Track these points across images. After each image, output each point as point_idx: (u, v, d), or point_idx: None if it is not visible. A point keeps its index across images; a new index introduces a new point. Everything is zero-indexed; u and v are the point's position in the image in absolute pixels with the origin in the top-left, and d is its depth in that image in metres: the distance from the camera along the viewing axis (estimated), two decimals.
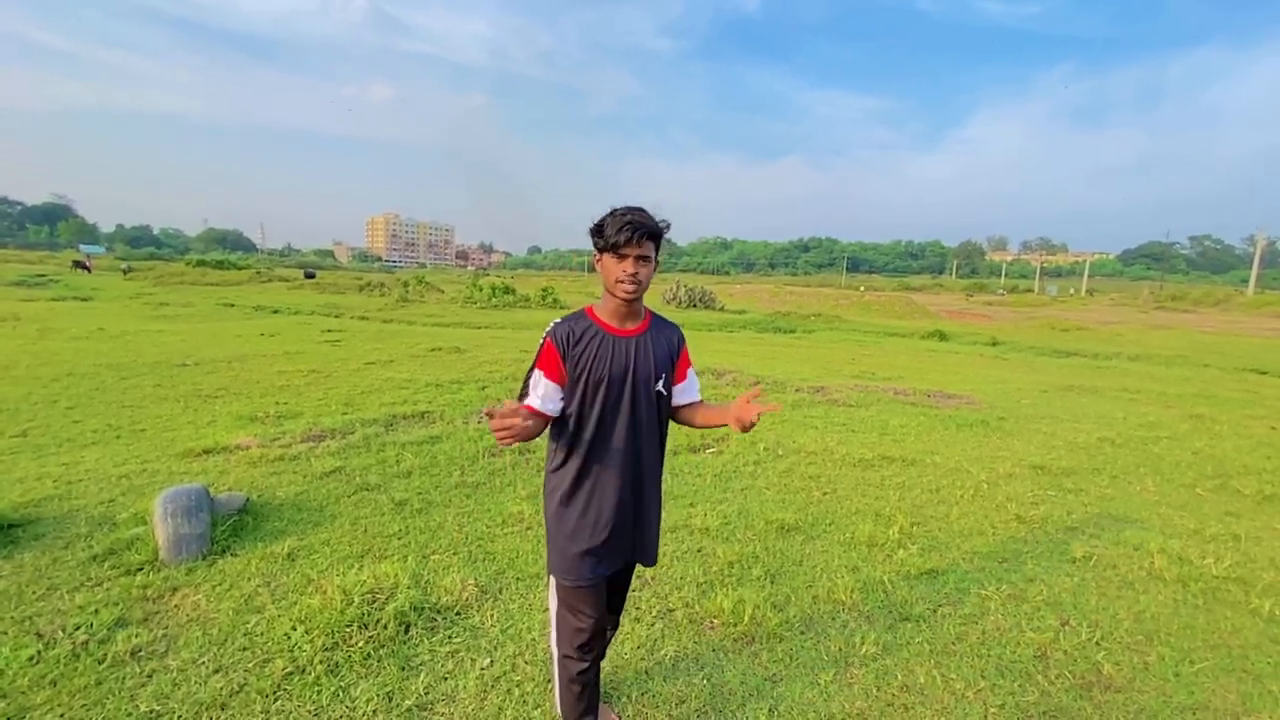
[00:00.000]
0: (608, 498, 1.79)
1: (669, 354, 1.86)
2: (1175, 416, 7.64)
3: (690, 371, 1.96)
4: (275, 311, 18.79)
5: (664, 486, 2.06)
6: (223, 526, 3.26)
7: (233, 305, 20.08)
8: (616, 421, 1.77)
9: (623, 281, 1.67)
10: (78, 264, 41.16)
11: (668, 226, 1.71)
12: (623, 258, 1.66)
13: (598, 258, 1.73)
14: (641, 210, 1.69)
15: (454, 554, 3.22)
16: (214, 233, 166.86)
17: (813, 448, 5.37)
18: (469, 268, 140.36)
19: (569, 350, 1.72)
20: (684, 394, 1.94)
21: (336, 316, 18.26)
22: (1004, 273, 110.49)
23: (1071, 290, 75.56)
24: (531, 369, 1.77)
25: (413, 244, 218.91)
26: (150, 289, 27.14)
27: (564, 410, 1.79)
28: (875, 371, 10.78)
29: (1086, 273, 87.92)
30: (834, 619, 2.80)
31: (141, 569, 2.89)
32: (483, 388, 7.26)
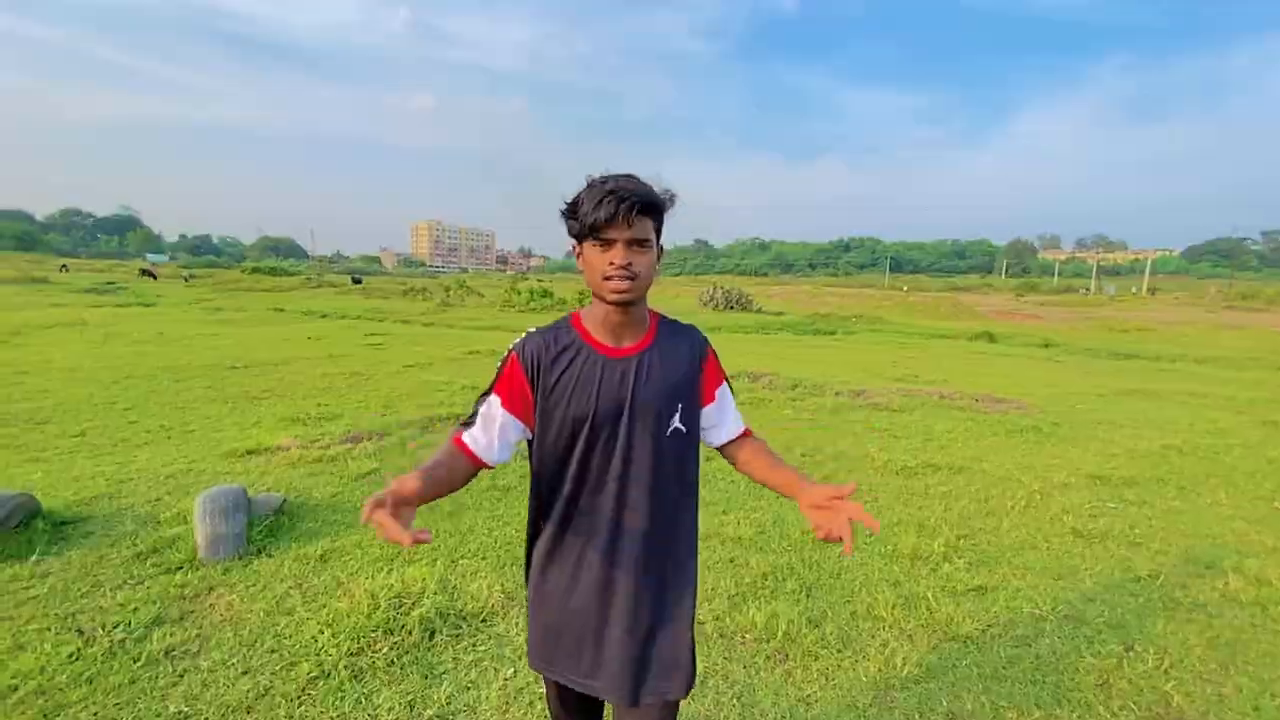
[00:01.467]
0: (590, 589, 1.29)
1: (687, 371, 1.33)
2: (1248, 423, 7.12)
3: (722, 391, 1.40)
4: (323, 316, 19.41)
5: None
6: (259, 527, 3.32)
7: (283, 310, 20.81)
8: (606, 476, 1.27)
9: (611, 278, 1.17)
10: (145, 272, 43.86)
11: (671, 199, 1.22)
12: (608, 244, 1.17)
13: (577, 250, 1.23)
14: (630, 177, 1.18)
15: (482, 559, 3.20)
16: (267, 240, 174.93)
17: (852, 454, 5.18)
18: (508, 272, 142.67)
19: (539, 373, 1.24)
20: (716, 424, 1.41)
21: (380, 321, 18.73)
22: (1057, 271, 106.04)
23: (1133, 289, 71.88)
24: (486, 393, 1.28)
25: (455, 249, 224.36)
26: (208, 295, 28.40)
27: (531, 458, 1.33)
28: (919, 374, 10.43)
29: (1148, 270, 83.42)
30: (873, 637, 2.65)
31: (180, 568, 2.96)
32: None
